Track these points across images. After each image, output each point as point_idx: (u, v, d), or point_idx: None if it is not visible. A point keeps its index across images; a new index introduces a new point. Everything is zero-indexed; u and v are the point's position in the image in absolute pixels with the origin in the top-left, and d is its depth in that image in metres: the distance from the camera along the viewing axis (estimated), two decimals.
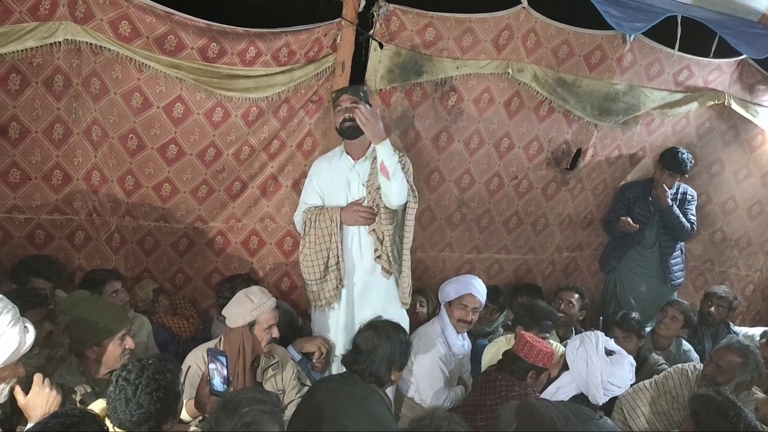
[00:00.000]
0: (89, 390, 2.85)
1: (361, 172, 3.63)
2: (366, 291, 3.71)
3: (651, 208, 5.00)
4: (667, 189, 4.88)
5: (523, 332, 3.54)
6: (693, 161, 4.91)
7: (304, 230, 3.67)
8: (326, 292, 3.67)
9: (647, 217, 5.01)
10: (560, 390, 3.06)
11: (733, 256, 5.66)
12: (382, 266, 3.65)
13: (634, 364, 3.07)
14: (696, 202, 5.12)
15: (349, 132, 3.51)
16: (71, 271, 4.02)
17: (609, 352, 3.08)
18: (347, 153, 3.65)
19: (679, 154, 4.84)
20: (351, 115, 3.44)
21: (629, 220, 4.89)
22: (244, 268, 4.39)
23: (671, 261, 5.15)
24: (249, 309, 3.15)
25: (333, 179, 3.65)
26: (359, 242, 3.65)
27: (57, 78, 3.47)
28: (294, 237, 4.37)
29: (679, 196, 5.02)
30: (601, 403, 3.04)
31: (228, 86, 3.73)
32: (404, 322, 3.64)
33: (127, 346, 2.93)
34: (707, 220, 5.51)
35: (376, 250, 3.63)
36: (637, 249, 5.15)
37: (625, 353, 3.17)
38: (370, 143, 3.53)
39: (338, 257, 3.61)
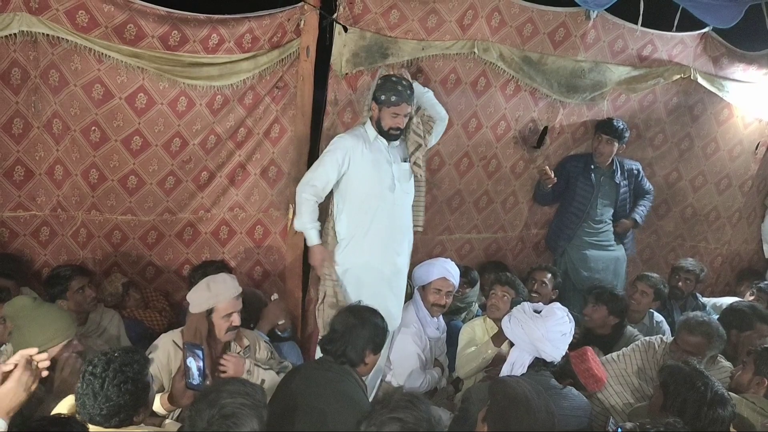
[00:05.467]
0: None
1: (392, 152, 3.83)
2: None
3: (592, 182, 4.94)
4: (627, 224, 5.04)
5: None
6: (629, 131, 4.90)
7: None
8: None
9: (590, 192, 4.97)
10: (515, 364, 3.13)
11: (703, 230, 5.73)
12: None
13: (565, 309, 3.17)
14: (643, 172, 5.14)
15: (393, 138, 3.80)
16: (37, 268, 3.96)
17: (538, 312, 3.20)
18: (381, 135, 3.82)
19: (615, 121, 4.84)
20: (401, 126, 3.74)
21: (546, 168, 4.82)
22: (215, 259, 4.34)
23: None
24: (206, 297, 3.14)
25: (373, 159, 3.77)
26: None
27: (14, 71, 3.41)
28: (264, 225, 4.33)
29: (626, 173, 5.02)
30: (558, 359, 3.11)
31: (191, 74, 3.68)
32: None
33: (74, 351, 2.79)
34: (678, 196, 5.57)
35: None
36: (584, 226, 5.06)
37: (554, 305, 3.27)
38: None
39: None
